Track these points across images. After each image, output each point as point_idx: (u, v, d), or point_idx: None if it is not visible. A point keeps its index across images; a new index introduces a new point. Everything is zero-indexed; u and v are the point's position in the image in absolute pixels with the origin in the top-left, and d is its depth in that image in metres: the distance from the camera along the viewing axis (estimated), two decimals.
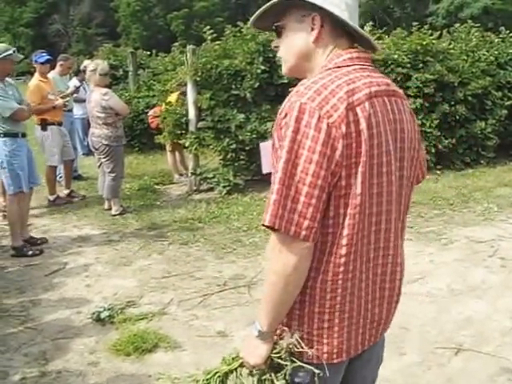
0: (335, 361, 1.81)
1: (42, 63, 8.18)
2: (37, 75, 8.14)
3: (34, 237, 6.53)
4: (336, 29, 1.80)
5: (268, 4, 1.82)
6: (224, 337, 4.20)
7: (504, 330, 4.22)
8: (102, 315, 4.53)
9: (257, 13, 1.89)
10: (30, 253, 5.96)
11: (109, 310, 4.61)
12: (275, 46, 1.95)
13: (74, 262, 5.90)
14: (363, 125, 1.66)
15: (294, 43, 1.85)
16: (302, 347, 1.75)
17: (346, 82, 1.69)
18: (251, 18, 1.94)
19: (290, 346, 1.75)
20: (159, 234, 6.79)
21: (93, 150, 7.75)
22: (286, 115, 1.67)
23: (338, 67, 1.76)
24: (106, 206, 7.79)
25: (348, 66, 1.77)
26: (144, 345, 4.05)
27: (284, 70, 1.95)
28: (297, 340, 1.75)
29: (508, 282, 5.11)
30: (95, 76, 7.33)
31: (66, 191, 8.51)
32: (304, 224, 1.63)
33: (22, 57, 6.12)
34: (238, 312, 4.63)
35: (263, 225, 1.66)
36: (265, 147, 2.47)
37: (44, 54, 8.36)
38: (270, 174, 1.71)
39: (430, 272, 5.34)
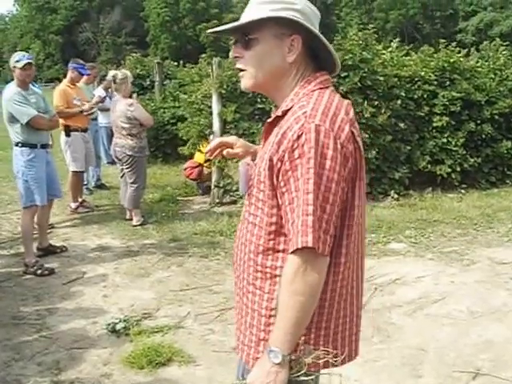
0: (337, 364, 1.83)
1: (81, 74, 8.37)
2: (65, 81, 8.27)
3: (54, 245, 6.54)
4: (308, 50, 1.83)
5: (250, 19, 1.77)
6: None
7: None
8: (118, 326, 4.52)
9: (232, 25, 1.81)
10: (39, 272, 5.76)
11: (124, 321, 4.59)
12: (235, 57, 1.87)
13: (92, 272, 5.91)
14: (360, 142, 1.77)
15: (268, 61, 1.82)
16: (326, 356, 1.75)
17: (339, 103, 1.77)
18: (220, 28, 1.86)
19: (315, 360, 1.73)
20: (179, 246, 6.76)
21: (116, 160, 7.79)
22: (299, 137, 1.69)
23: (321, 88, 1.80)
24: (127, 216, 7.80)
25: (326, 87, 1.82)
26: (158, 358, 4.01)
27: (247, 84, 1.88)
28: (323, 351, 1.75)
29: None
30: (126, 85, 7.38)
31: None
32: (328, 241, 1.69)
33: (26, 62, 5.79)
34: None
35: (299, 248, 1.66)
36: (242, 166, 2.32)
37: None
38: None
39: (451, 293, 5.24)
